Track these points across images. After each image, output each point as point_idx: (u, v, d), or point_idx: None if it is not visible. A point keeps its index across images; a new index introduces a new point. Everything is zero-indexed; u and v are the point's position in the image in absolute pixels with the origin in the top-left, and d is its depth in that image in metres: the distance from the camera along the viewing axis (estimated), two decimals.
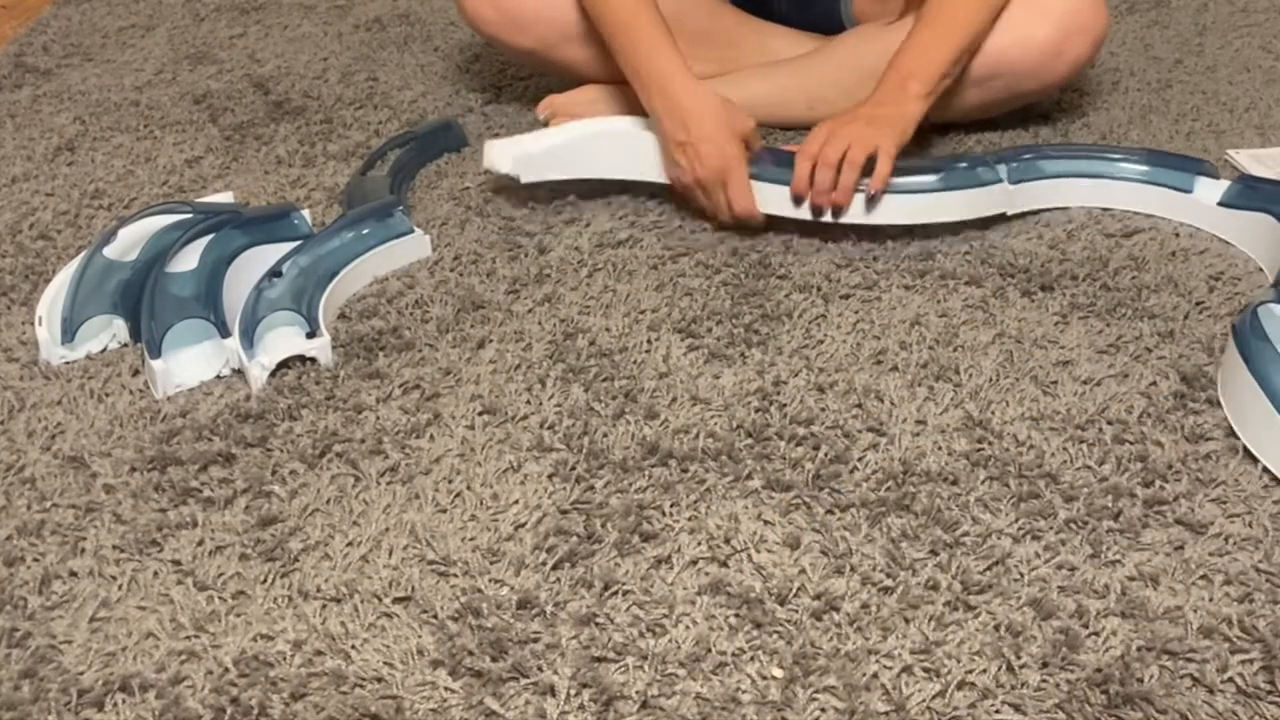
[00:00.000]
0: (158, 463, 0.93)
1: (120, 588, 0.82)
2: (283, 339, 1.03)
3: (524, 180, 1.21)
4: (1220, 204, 1.18)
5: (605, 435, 0.94)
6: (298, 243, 1.12)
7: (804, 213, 1.17)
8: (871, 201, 1.15)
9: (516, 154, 1.22)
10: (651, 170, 1.22)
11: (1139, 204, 1.22)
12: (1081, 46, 1.26)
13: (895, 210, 1.16)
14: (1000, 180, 1.18)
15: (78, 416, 0.98)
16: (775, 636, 0.77)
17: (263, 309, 1.04)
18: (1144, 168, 1.22)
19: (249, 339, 1.01)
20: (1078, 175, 1.22)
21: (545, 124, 1.34)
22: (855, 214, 1.16)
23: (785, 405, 0.97)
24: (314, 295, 1.07)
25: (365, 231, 1.15)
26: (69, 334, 1.04)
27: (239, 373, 1.02)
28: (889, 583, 0.81)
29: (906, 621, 0.78)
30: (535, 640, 0.77)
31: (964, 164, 1.19)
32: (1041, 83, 1.28)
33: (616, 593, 0.81)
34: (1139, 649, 0.76)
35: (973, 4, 1.22)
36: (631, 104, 1.34)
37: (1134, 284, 1.11)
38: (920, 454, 0.92)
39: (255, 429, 0.96)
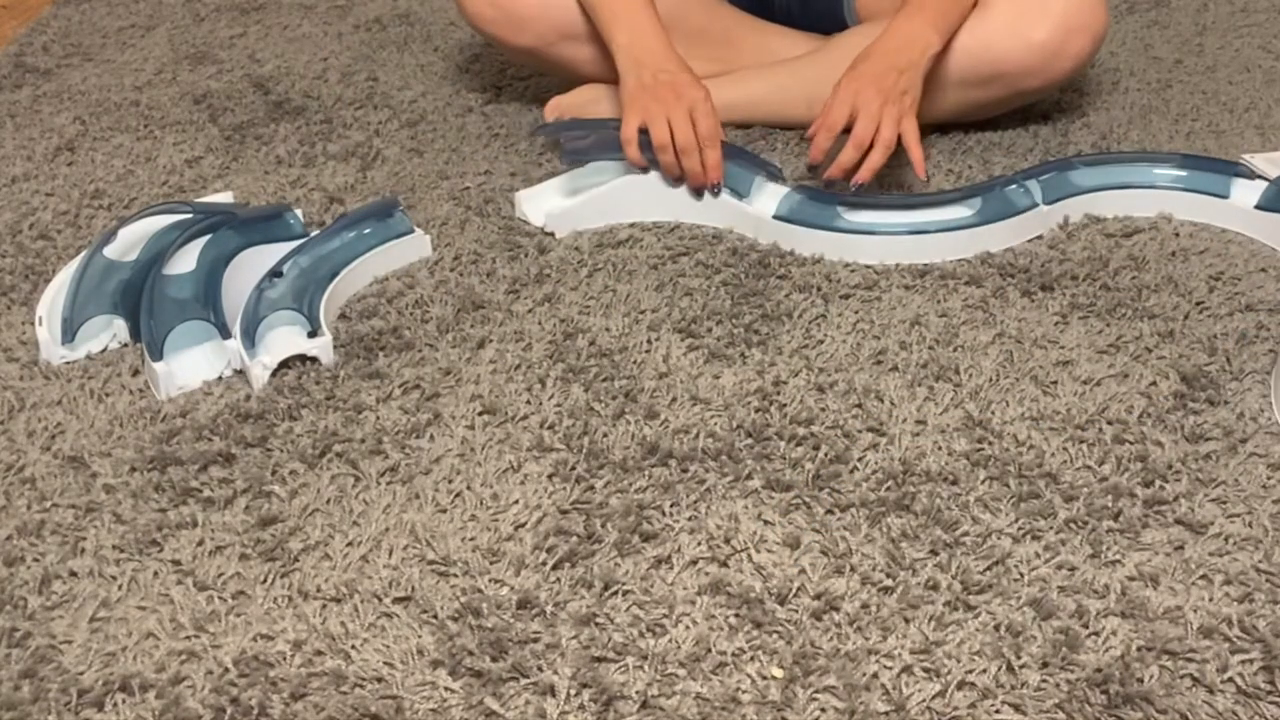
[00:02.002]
0: (158, 463, 0.93)
1: (120, 588, 0.82)
2: (284, 338, 1.03)
3: (558, 235, 1.21)
4: (1258, 207, 1.18)
5: (605, 435, 0.94)
6: (294, 243, 1.13)
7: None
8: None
9: (550, 210, 1.22)
10: (685, 211, 1.22)
11: (1176, 211, 1.21)
12: (1082, 45, 1.26)
13: (935, 249, 1.16)
14: (1036, 204, 1.18)
15: (78, 416, 0.98)
16: (775, 636, 0.77)
17: (264, 309, 1.04)
18: (1179, 174, 1.22)
19: (250, 338, 1.01)
20: (1112, 187, 1.22)
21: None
22: (900, 254, 1.15)
23: (785, 405, 0.97)
24: (315, 295, 1.07)
25: (366, 231, 1.15)
26: (69, 334, 1.04)
27: (239, 373, 1.02)
28: (889, 583, 0.81)
29: (906, 621, 0.78)
30: (535, 640, 0.77)
31: (996, 189, 1.19)
32: (1042, 81, 1.28)
33: (616, 593, 0.81)
34: (1139, 649, 0.76)
35: None
36: None
37: (1134, 284, 1.11)
38: (920, 454, 0.92)
39: (255, 429, 0.96)
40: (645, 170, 1.20)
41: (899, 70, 1.17)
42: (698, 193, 1.20)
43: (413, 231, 1.17)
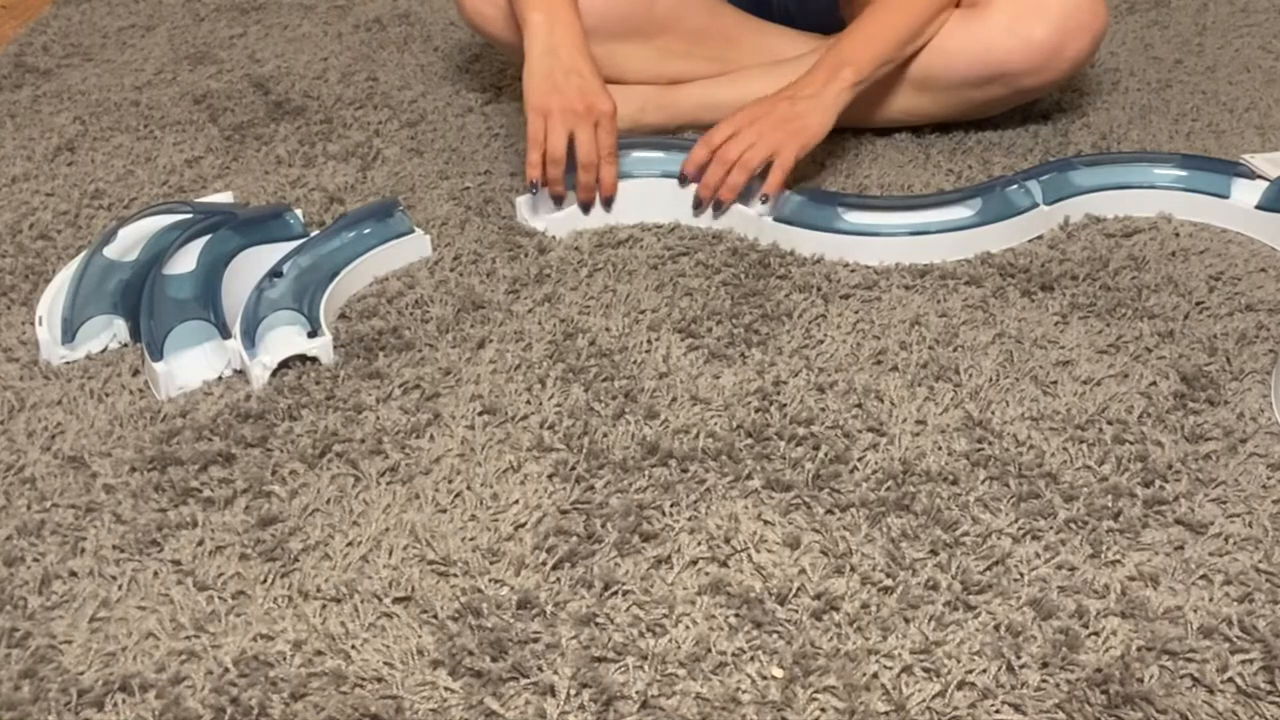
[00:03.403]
0: (158, 463, 0.93)
1: (120, 588, 0.82)
2: (284, 338, 1.03)
3: (559, 237, 1.21)
4: (1258, 207, 1.18)
5: (605, 435, 0.94)
6: (294, 243, 1.13)
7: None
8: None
9: (550, 214, 1.22)
10: (685, 212, 1.22)
11: (1176, 212, 1.21)
12: (1081, 44, 1.26)
13: (936, 248, 1.15)
14: (1036, 204, 1.18)
15: (78, 416, 0.98)
16: (775, 636, 0.77)
17: (264, 309, 1.04)
18: (1179, 173, 1.22)
19: (250, 338, 1.01)
20: (1112, 187, 1.22)
21: None
22: (904, 253, 1.15)
23: (785, 405, 0.97)
24: (315, 295, 1.07)
25: (366, 231, 1.15)
26: (69, 334, 1.04)
27: (239, 373, 1.02)
28: (889, 583, 0.81)
29: (906, 621, 0.78)
30: (535, 640, 0.77)
31: (996, 189, 1.19)
32: (1042, 80, 1.28)
33: (616, 593, 0.81)
34: (1139, 649, 0.76)
35: (917, 3, 1.24)
36: (632, 102, 1.35)
37: (1134, 284, 1.11)
38: (920, 454, 0.92)
39: (255, 429, 0.96)
40: (533, 190, 1.18)
41: (793, 99, 1.19)
42: (698, 205, 1.21)
43: (413, 231, 1.17)
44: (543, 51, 1.19)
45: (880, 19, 1.23)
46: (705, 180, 1.18)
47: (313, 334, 1.03)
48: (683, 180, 1.20)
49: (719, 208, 1.19)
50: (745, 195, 1.19)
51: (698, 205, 1.20)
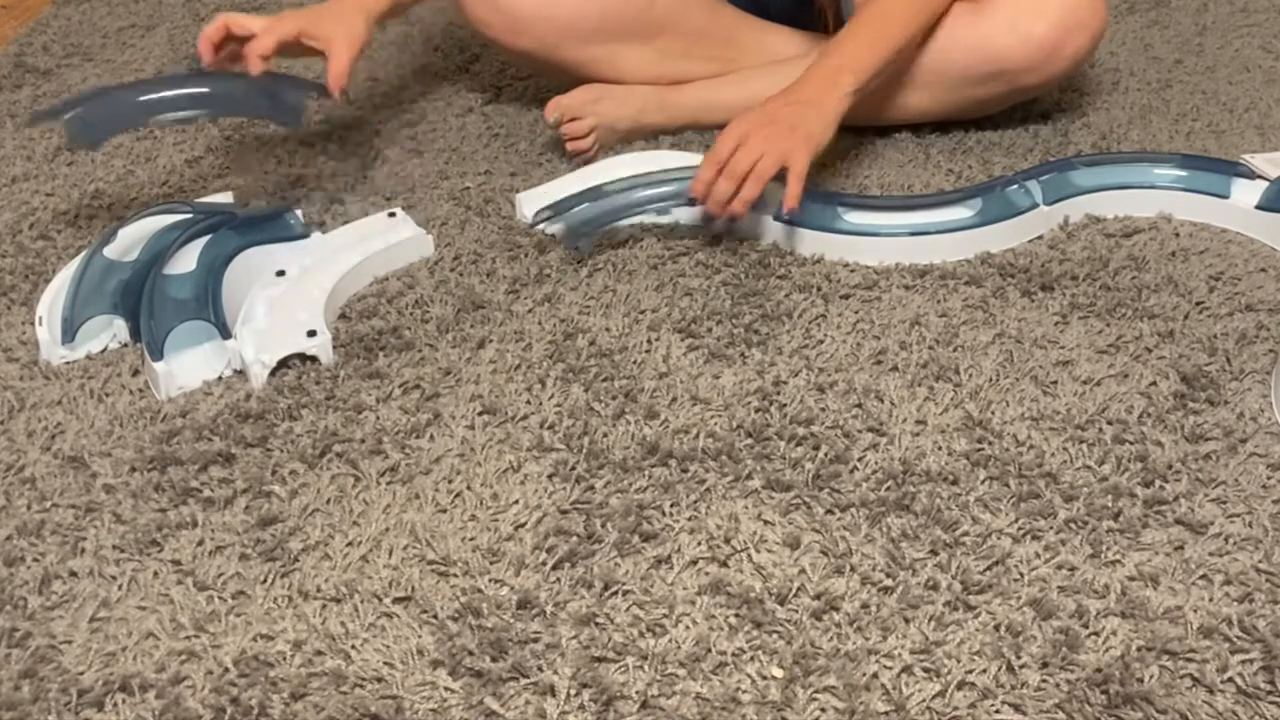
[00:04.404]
0: (158, 463, 0.93)
1: (120, 588, 0.82)
2: (285, 337, 1.03)
3: (558, 236, 1.20)
4: (1258, 207, 1.18)
5: (605, 435, 0.94)
6: (293, 242, 1.13)
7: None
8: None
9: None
10: (685, 212, 1.21)
11: (1176, 212, 1.21)
12: (1080, 42, 1.26)
13: (936, 248, 1.15)
14: (1036, 204, 1.18)
15: (78, 416, 0.98)
16: (775, 636, 0.77)
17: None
18: (1179, 173, 1.22)
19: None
20: (1112, 187, 1.21)
21: (556, 127, 1.34)
22: (904, 253, 1.15)
23: (785, 405, 0.97)
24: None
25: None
26: (69, 334, 1.04)
27: (239, 373, 1.02)
28: (889, 583, 0.81)
29: (906, 621, 0.78)
30: (535, 640, 0.77)
31: (996, 189, 1.19)
32: (1041, 78, 1.28)
33: (616, 593, 0.81)
34: (1139, 649, 0.76)
35: (913, 6, 1.22)
36: (633, 103, 1.35)
37: (1134, 284, 1.11)
38: (920, 454, 0.92)
39: (255, 429, 0.96)
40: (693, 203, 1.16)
41: (794, 104, 1.15)
42: (709, 221, 1.18)
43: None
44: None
45: (878, 24, 1.21)
46: (714, 197, 1.13)
47: (312, 333, 1.03)
48: (693, 202, 1.15)
49: (733, 220, 1.16)
50: (759, 206, 1.18)
51: (708, 220, 1.17)
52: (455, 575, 0.82)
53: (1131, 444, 0.92)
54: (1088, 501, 0.87)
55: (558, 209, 1.18)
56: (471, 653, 0.76)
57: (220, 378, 1.02)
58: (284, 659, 0.77)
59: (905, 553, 0.83)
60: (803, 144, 1.13)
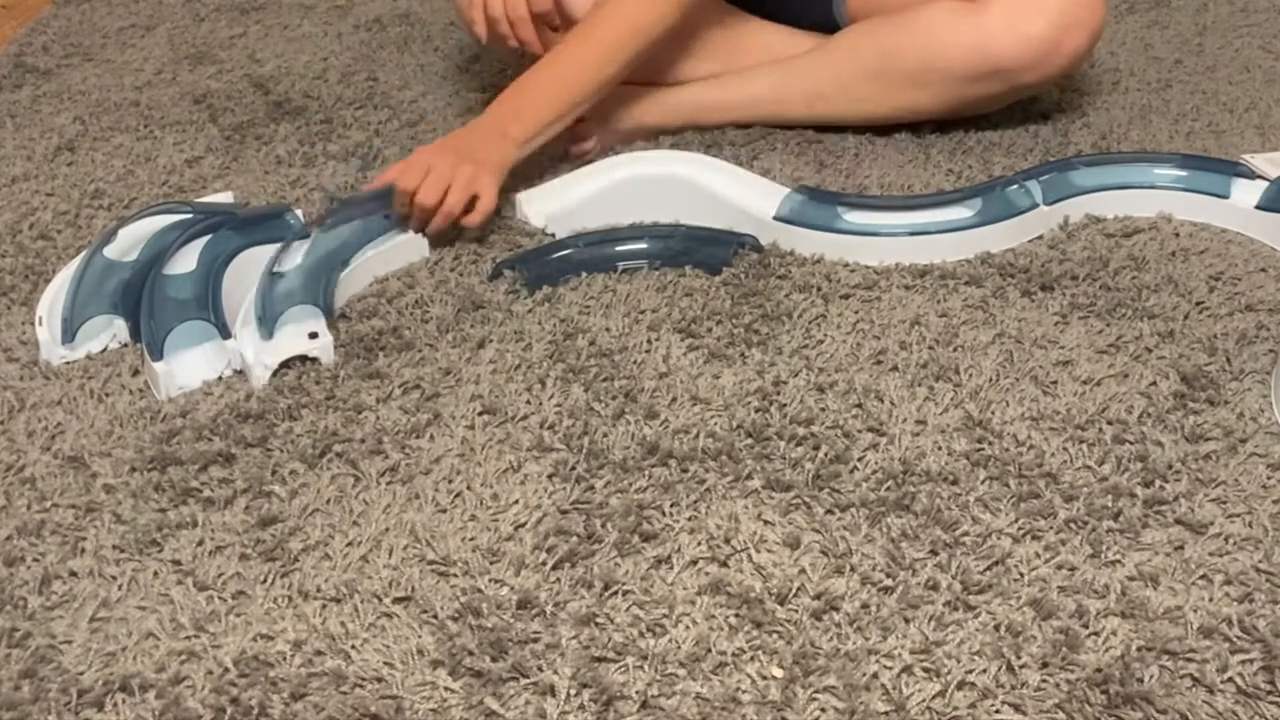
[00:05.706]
0: (158, 463, 0.93)
1: (120, 588, 0.82)
2: (287, 338, 1.03)
3: (559, 236, 1.20)
4: (1258, 207, 1.18)
5: (605, 435, 0.94)
6: (293, 243, 1.13)
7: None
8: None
9: (551, 212, 1.21)
10: (685, 212, 1.21)
11: (1176, 212, 1.21)
12: (1079, 39, 1.26)
13: (936, 248, 1.15)
14: (1036, 204, 1.18)
15: (78, 416, 0.98)
16: (775, 636, 0.77)
17: (279, 302, 1.04)
18: (1179, 173, 1.21)
19: (269, 329, 1.01)
20: (1112, 187, 1.21)
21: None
22: (904, 253, 1.15)
23: (785, 405, 0.97)
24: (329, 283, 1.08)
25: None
26: (69, 334, 1.04)
27: (239, 373, 1.02)
28: (889, 583, 0.81)
29: (906, 621, 0.78)
30: (535, 640, 0.77)
31: (996, 189, 1.19)
32: (1039, 76, 1.28)
33: (616, 593, 0.81)
34: (1139, 649, 0.76)
35: (607, 45, 1.23)
36: (632, 103, 1.35)
37: (1134, 284, 1.11)
38: (920, 454, 0.92)
39: (255, 429, 0.96)
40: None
41: (471, 142, 1.18)
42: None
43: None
44: None
45: (557, 73, 1.22)
46: (412, 225, 1.17)
47: (313, 335, 1.03)
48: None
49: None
50: None
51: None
52: (455, 575, 0.82)
53: (1131, 444, 0.92)
54: (1088, 501, 0.87)
55: (523, 260, 1.16)
56: (471, 653, 0.76)
57: (220, 378, 1.02)
58: (284, 659, 0.77)
59: (905, 553, 0.83)
60: (489, 169, 1.17)
